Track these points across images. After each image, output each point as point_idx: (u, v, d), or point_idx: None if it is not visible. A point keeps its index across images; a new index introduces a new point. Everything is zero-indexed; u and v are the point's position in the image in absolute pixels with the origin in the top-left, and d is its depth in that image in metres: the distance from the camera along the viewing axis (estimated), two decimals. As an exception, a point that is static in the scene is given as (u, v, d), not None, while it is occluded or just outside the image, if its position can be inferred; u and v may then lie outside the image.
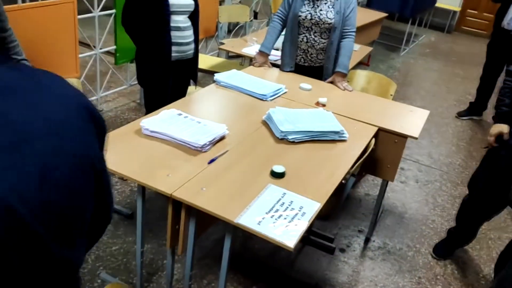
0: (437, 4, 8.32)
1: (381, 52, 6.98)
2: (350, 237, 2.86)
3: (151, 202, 2.81)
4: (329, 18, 2.90)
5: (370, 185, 3.44)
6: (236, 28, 5.81)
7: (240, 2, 5.56)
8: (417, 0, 6.60)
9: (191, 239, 1.89)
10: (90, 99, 3.05)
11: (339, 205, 2.38)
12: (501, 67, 4.49)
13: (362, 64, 5.85)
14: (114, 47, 3.79)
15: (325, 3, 2.91)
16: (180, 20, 2.73)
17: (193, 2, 2.77)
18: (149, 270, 2.40)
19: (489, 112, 4.91)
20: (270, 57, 3.38)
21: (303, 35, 2.98)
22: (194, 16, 2.82)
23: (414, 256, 2.79)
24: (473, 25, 8.90)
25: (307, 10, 2.91)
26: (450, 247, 2.79)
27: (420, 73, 6.30)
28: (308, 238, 2.76)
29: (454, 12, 8.82)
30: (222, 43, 4.23)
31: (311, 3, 2.91)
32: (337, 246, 2.76)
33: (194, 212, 1.81)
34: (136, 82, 4.18)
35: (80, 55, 3.48)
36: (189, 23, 2.79)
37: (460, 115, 4.98)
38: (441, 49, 7.87)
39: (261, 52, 3.11)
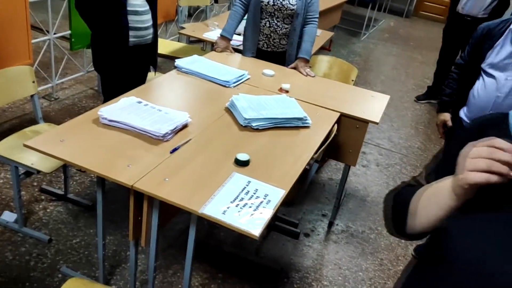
0: (396, -11, 8.46)
1: (342, 37, 7.04)
2: (314, 222, 2.90)
3: (112, 193, 2.73)
4: (292, 4, 2.87)
5: (333, 169, 3.49)
6: (197, 12, 5.70)
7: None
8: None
9: (154, 231, 1.85)
10: (45, 86, 2.96)
11: (303, 191, 2.39)
12: (456, 51, 4.62)
13: (324, 49, 5.89)
14: (69, 32, 3.63)
15: None
16: (137, 4, 2.63)
17: (151, -15, 2.68)
18: (112, 263, 2.34)
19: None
20: (232, 42, 3.33)
21: (266, 20, 2.95)
22: (152, 0, 2.73)
23: (376, 239, 2.85)
24: (431, 10, 9.10)
25: None
26: None
27: (380, 58, 6.40)
28: (273, 224, 2.78)
29: (412, -3, 8.99)
30: (183, 28, 4.14)
31: None
32: (302, 231, 2.79)
33: (157, 203, 1.77)
34: (93, 68, 4.07)
35: (33, 41, 3.31)
36: (147, 7, 2.70)
37: (418, 99, 5.11)
38: (400, 34, 8.02)
39: (222, 37, 3.06)
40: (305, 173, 2.21)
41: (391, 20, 8.75)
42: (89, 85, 4.11)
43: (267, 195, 1.73)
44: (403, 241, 2.87)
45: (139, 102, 2.18)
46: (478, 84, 2.22)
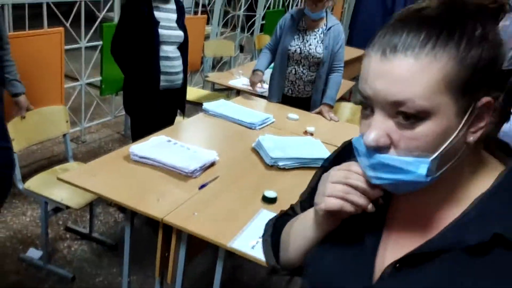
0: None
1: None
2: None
3: (136, 234, 2.73)
4: (318, 53, 2.97)
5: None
6: (220, 64, 5.90)
7: (224, 38, 5.67)
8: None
9: (181, 266, 1.84)
10: (73, 130, 3.04)
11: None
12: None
13: (343, 99, 5.98)
14: (100, 78, 3.79)
15: (314, 38, 2.99)
16: (169, 51, 2.76)
17: (182, 34, 2.82)
18: (134, 303, 2.31)
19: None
20: (257, 90, 3.44)
21: (292, 67, 3.04)
22: (183, 47, 2.86)
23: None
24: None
25: (297, 44, 2.98)
26: None
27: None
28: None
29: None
30: (207, 76, 4.28)
31: (301, 38, 2.98)
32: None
33: (185, 238, 1.77)
34: (121, 113, 4.20)
35: (66, 86, 3.46)
36: (178, 54, 2.82)
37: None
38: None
39: (256, 71, 3.11)
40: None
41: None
42: (115, 129, 4.22)
43: (296, 231, 1.72)
44: None
45: (169, 141, 2.23)
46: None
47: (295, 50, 2.97)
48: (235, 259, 2.73)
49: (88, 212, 2.77)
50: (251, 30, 6.09)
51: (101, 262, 2.55)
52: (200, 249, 2.02)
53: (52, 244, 2.61)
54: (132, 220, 1.93)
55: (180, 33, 2.78)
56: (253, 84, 3.14)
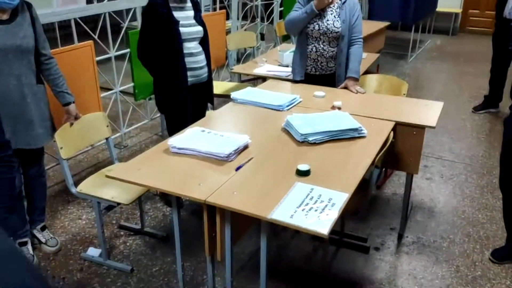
0: (438, 9, 8.44)
1: (389, 61, 7.07)
2: (383, 236, 2.88)
3: (184, 224, 2.89)
4: (336, 27, 3.01)
5: (396, 185, 3.47)
6: (245, 56, 6.00)
7: (245, 30, 5.76)
8: (417, 7, 6.73)
9: (228, 244, 1.95)
10: (114, 136, 3.21)
11: (367, 199, 2.42)
12: (509, 57, 4.53)
13: (370, 73, 5.94)
14: (132, 84, 3.97)
15: (331, 13, 3.03)
16: (192, 47, 2.88)
17: (202, 29, 2.93)
18: (190, 287, 2.45)
19: (505, 104, 4.91)
20: (280, 74, 3.52)
21: (312, 45, 3.10)
22: (204, 42, 2.97)
23: (450, 246, 2.78)
24: (477, 24, 8.97)
25: (314, 21, 3.03)
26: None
27: (431, 76, 6.36)
28: (341, 240, 2.79)
29: (456, 14, 8.92)
30: (233, 69, 4.38)
31: (318, 14, 3.02)
32: (371, 245, 2.78)
33: (229, 216, 1.88)
34: (156, 115, 4.38)
35: (102, 95, 3.66)
36: (200, 49, 2.94)
37: (476, 109, 5.00)
38: (448, 51, 7.93)
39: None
40: (366, 181, 2.26)
41: (438, 39, 8.69)
42: (153, 131, 4.41)
43: (331, 199, 1.80)
44: (478, 247, 2.78)
45: (203, 131, 2.35)
46: None
47: (314, 27, 3.02)
48: (279, 239, 2.84)
49: (138, 209, 2.94)
50: (271, 19, 6.15)
51: (156, 253, 2.71)
52: (245, 228, 2.13)
53: (109, 241, 2.80)
54: (179, 208, 2.06)
55: (199, 28, 2.89)
56: (321, 1, 2.95)
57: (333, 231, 2.75)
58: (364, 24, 5.68)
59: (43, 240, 2.71)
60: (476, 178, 3.60)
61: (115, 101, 4.00)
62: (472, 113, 4.98)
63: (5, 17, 2.23)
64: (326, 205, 1.75)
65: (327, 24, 3.03)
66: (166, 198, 3.17)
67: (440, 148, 4.10)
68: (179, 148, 2.17)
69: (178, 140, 2.22)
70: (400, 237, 2.86)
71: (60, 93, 2.54)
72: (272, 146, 2.27)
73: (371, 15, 6.84)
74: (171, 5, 2.78)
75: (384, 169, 3.56)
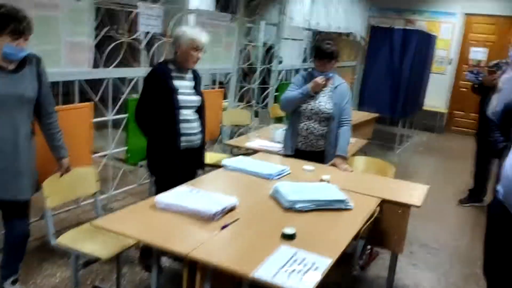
0: (425, 107, 8.87)
1: (377, 151, 7.26)
2: (365, 318, 2.79)
3: (162, 290, 2.79)
4: (328, 109, 3.18)
5: (381, 267, 3.41)
6: (237, 134, 6.15)
7: (241, 108, 5.97)
8: (405, 103, 7.08)
9: (207, 305, 1.89)
10: (102, 197, 3.18)
11: (350, 274, 2.38)
12: (492, 153, 4.69)
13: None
14: (126, 148, 4.03)
15: (323, 96, 3.21)
16: (188, 114, 2.98)
17: (200, 98, 3.05)
18: None
19: (489, 198, 4.99)
20: (271, 148, 3.62)
21: (303, 123, 3.23)
22: (201, 110, 3.09)
23: (434, 334, 2.69)
24: (462, 125, 9.36)
25: (308, 102, 3.20)
26: None
27: (417, 168, 6.51)
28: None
29: (442, 113, 9.36)
30: (226, 143, 4.49)
31: (312, 96, 3.20)
32: (353, 326, 2.68)
33: (209, 275, 1.85)
34: (145, 181, 4.39)
35: (94, 155, 3.70)
36: (196, 116, 3.04)
37: (461, 202, 5.07)
38: (434, 147, 8.21)
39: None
40: (351, 256, 2.25)
41: (424, 136, 9.01)
42: (140, 196, 4.36)
43: (315, 262, 1.79)
44: (463, 336, 2.69)
45: (191, 191, 2.38)
46: (509, 160, 2.31)
47: (307, 107, 3.18)
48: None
49: (115, 271, 2.85)
50: (265, 102, 6.42)
51: (128, 318, 2.59)
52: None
53: (81, 302, 2.68)
54: (158, 259, 2.01)
55: (197, 98, 3.02)
56: (317, 85, 3.15)
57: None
58: (354, 113, 5.96)
59: (12, 294, 2.58)
60: (460, 267, 3.57)
61: (106, 164, 4.02)
62: (457, 205, 5.05)
63: (11, 67, 2.32)
64: (309, 268, 1.74)
65: (319, 105, 3.19)
66: (145, 262, 3.09)
67: (426, 236, 4.10)
68: (165, 204, 2.17)
69: (166, 196, 2.24)
70: (383, 320, 2.77)
71: (57, 147, 2.57)
72: (259, 210, 2.29)
73: (361, 105, 7.16)
74: (172, 74, 2.93)
75: (369, 251, 3.53)
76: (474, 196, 5.02)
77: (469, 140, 8.28)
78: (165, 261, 3.22)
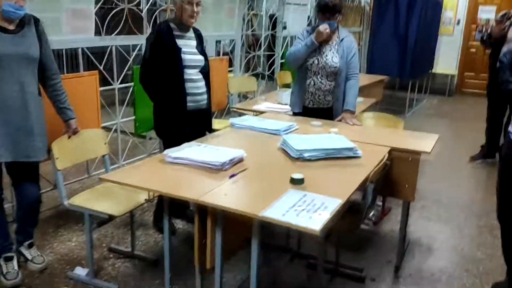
0: (435, 70, 8.74)
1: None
2: (379, 268, 2.80)
3: (176, 249, 2.82)
4: (334, 62, 3.13)
5: (393, 222, 3.42)
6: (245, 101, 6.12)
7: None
8: (413, 65, 6.98)
9: (219, 251, 1.90)
10: (112, 166, 3.15)
11: (360, 221, 2.38)
12: (504, 105, 4.62)
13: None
14: (134, 117, 4.03)
15: (330, 50, 3.16)
16: (192, 73, 2.95)
17: (203, 58, 3.02)
18: (177, 308, 2.35)
19: (502, 154, 4.94)
20: (279, 110, 3.58)
21: (310, 79, 3.19)
22: (205, 72, 3.06)
23: (448, 280, 2.70)
24: (473, 86, 9.22)
25: (314, 56, 3.15)
26: None
27: (428, 129, 6.38)
28: (336, 269, 2.71)
29: (452, 76, 9.21)
30: (233, 108, 4.47)
31: (317, 50, 3.15)
32: (367, 276, 2.69)
33: (220, 220, 1.86)
34: (155, 151, 4.40)
35: (102, 124, 3.71)
36: (200, 76, 3.02)
37: (473, 158, 5.02)
38: (445, 110, 8.10)
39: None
40: (360, 206, 2.25)
41: (434, 99, 8.90)
42: (150, 166, 4.40)
43: (324, 203, 1.78)
44: (477, 281, 2.69)
45: (199, 145, 2.37)
46: None
47: (313, 62, 3.13)
48: (273, 267, 2.76)
49: (129, 234, 2.89)
50: (272, 69, 6.36)
51: (144, 276, 2.63)
52: (237, 239, 2.08)
53: (97, 263, 2.72)
54: (172, 228, 2.03)
55: (200, 57, 2.99)
56: (319, 33, 3.07)
57: (327, 261, 2.71)
58: (363, 76, 5.90)
59: (29, 257, 2.63)
60: (474, 219, 3.56)
61: (114, 137, 4.03)
62: (469, 162, 5.00)
63: (11, 27, 2.32)
64: (318, 208, 1.73)
65: (326, 59, 3.14)
66: (158, 225, 3.12)
67: (438, 192, 4.08)
68: (174, 158, 2.18)
69: (174, 150, 2.24)
70: (397, 269, 2.78)
71: (63, 109, 2.59)
72: (267, 161, 2.28)
73: (371, 69, 7.08)
74: (174, 33, 2.89)
75: (381, 206, 3.52)
76: (486, 151, 4.97)
77: (480, 102, 8.16)
78: (179, 223, 3.25)
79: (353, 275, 2.67)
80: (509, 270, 2.58)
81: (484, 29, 4.96)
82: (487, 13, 8.81)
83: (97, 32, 3.56)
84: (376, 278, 2.69)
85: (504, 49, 4.26)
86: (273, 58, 6.33)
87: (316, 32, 3.08)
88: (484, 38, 4.76)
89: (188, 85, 2.93)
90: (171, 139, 2.98)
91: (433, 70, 8.75)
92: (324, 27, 3.06)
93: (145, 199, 2.46)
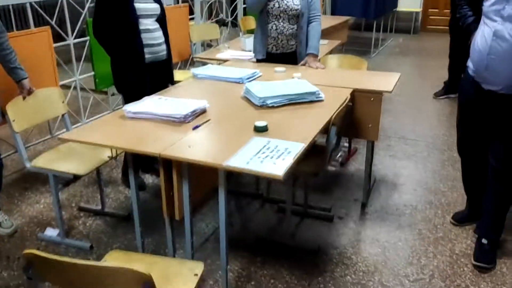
0: (399, 8, 8.69)
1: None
2: (346, 207, 2.89)
3: (147, 205, 2.84)
4: (295, 5, 3.05)
5: (359, 162, 3.50)
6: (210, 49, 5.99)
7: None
8: (377, 4, 6.91)
9: (187, 201, 1.92)
10: (75, 125, 3.07)
11: (325, 163, 2.42)
12: (465, 41, 4.66)
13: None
14: (93, 73, 3.90)
15: None
16: (148, 23, 2.84)
17: (158, 6, 2.90)
18: (152, 260, 2.39)
19: (464, 89, 5.04)
20: (243, 57, 3.52)
21: (272, 23, 3.11)
22: (162, 21, 2.95)
23: (412, 213, 2.82)
24: (437, 23, 9.24)
25: (275, 0, 3.06)
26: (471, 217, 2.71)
27: (393, 68, 6.49)
28: (305, 211, 2.79)
29: (417, 13, 9.19)
30: (196, 57, 4.36)
31: None
32: (335, 215, 2.79)
33: (185, 171, 1.85)
34: (118, 107, 4.30)
35: (61, 82, 3.58)
36: (157, 26, 2.90)
37: (437, 95, 5.13)
38: (410, 48, 8.15)
39: None
40: (324, 148, 2.27)
41: (399, 38, 8.91)
42: (116, 122, 4.32)
43: (287, 148, 1.79)
44: (439, 212, 2.83)
45: (160, 98, 2.32)
46: (478, 34, 2.29)
47: (274, 5, 3.05)
48: (244, 214, 2.82)
49: (99, 192, 2.87)
50: (235, 14, 6.19)
51: (116, 231, 2.64)
52: (204, 186, 2.09)
53: (68, 223, 2.71)
54: (135, 165, 2.02)
55: (155, 5, 2.87)
56: None
57: (296, 203, 2.77)
58: (327, 19, 5.82)
59: (-3, 222, 2.60)
60: (437, 153, 3.68)
61: (74, 95, 3.90)
62: (433, 99, 5.11)
63: None
64: (282, 153, 1.75)
65: (287, 2, 3.06)
66: (128, 180, 3.10)
67: (403, 129, 4.18)
68: (134, 113, 2.13)
69: (134, 105, 2.19)
70: (363, 206, 2.88)
71: (13, 69, 2.47)
72: (231, 111, 2.26)
73: (334, 11, 6.99)
74: (127, -19, 2.75)
75: (348, 147, 3.60)
76: (449, 87, 5.06)
77: (444, 39, 8.21)
78: (148, 177, 3.25)
79: (322, 215, 2.76)
80: (469, 200, 2.72)
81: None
82: None
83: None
84: (344, 217, 2.78)
85: None
86: (235, 3, 6.14)
87: None
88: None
89: (144, 35, 2.82)
90: (131, 94, 2.90)
91: (398, 8, 8.70)
92: None
93: (108, 156, 2.42)
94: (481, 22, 2.29)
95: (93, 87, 4.07)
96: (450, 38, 4.94)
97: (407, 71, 6.41)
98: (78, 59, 3.86)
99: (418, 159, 3.58)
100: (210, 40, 5.63)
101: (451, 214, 2.76)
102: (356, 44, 7.77)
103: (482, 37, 2.24)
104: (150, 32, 2.84)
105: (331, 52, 4.10)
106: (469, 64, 2.38)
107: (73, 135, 1.97)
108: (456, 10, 4.39)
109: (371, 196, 3.00)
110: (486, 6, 2.23)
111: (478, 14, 2.36)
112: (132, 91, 2.89)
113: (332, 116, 2.14)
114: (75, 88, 3.91)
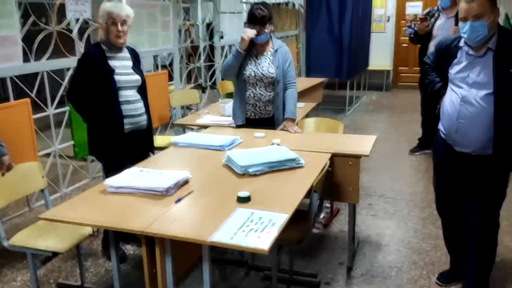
0: (371, 67, 9.07)
1: (328, 115, 7.36)
2: (332, 271, 2.87)
3: (128, 276, 2.76)
4: (271, 73, 3.17)
5: (342, 223, 3.51)
6: (189, 114, 6.08)
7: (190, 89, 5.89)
8: (350, 65, 7.20)
9: (170, 279, 1.88)
10: (54, 196, 3.07)
11: (309, 229, 2.43)
12: (437, 98, 4.86)
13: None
14: (72, 142, 3.90)
15: (265, 61, 3.20)
16: (129, 95, 2.89)
17: (139, 78, 2.97)
18: None
19: (438, 144, 5.20)
20: (222, 122, 3.59)
21: (250, 90, 3.22)
22: (142, 90, 3.01)
23: (397, 275, 2.81)
24: (409, 80, 9.63)
25: (251, 69, 3.18)
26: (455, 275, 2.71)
27: (368, 125, 6.68)
28: (291, 278, 2.75)
29: (388, 71, 9.60)
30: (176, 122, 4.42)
31: (253, 62, 3.19)
32: (322, 281, 2.75)
33: (168, 247, 1.83)
34: (98, 174, 4.27)
35: (40, 153, 3.55)
36: (138, 97, 2.96)
37: (412, 151, 5.26)
38: (384, 104, 8.43)
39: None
40: (307, 212, 2.29)
41: (373, 95, 9.23)
42: (96, 190, 4.27)
43: (271, 220, 1.81)
44: (424, 272, 2.82)
45: (141, 170, 2.33)
46: (446, 99, 2.41)
47: (250, 74, 3.16)
48: (230, 281, 2.76)
49: (78, 267, 2.78)
50: (213, 79, 6.35)
51: (97, 309, 2.54)
52: (188, 262, 2.07)
53: (45, 301, 2.60)
54: (117, 242, 1.98)
55: (137, 77, 2.93)
56: (242, 40, 3.08)
57: (282, 270, 2.74)
58: (303, 80, 6.03)
59: (-30, 305, 2.48)
60: (417, 211, 3.73)
61: (54, 163, 3.87)
62: (409, 155, 5.23)
63: None
64: (266, 225, 1.75)
65: (262, 70, 3.18)
66: (107, 253, 3.03)
67: (382, 187, 4.24)
68: (116, 187, 2.12)
69: (116, 179, 2.18)
70: (349, 270, 2.86)
71: None
72: (213, 180, 2.28)
73: (309, 72, 7.24)
74: (107, 54, 2.83)
75: (330, 208, 3.61)
76: (423, 143, 5.21)
77: (416, 94, 8.53)
78: (129, 249, 3.18)
79: (308, 282, 2.72)
80: (452, 259, 2.73)
81: (412, 24, 5.18)
82: (415, 9, 9.24)
83: (26, 57, 3.41)
84: (330, 282, 2.75)
85: (431, 49, 4.50)
86: (213, 69, 6.33)
87: (241, 39, 3.11)
88: (412, 36, 4.99)
89: (125, 107, 2.86)
90: (111, 161, 2.92)
91: (369, 67, 9.08)
92: (245, 34, 3.07)
93: (89, 234, 2.38)
94: (449, 88, 2.42)
95: (72, 154, 4.06)
96: (420, 96, 5.15)
97: (382, 127, 6.59)
98: (58, 125, 3.86)
99: (399, 218, 3.61)
100: (190, 104, 5.72)
101: (436, 275, 2.76)
102: (331, 103, 8.01)
103: (451, 102, 2.36)
104: (131, 103, 2.89)
105: (307, 115, 4.21)
106: (440, 127, 2.48)
107: (53, 214, 1.94)
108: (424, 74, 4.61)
109: (356, 258, 2.99)
110: (452, 74, 2.37)
111: (445, 79, 2.49)
112: (112, 160, 2.90)
113: (313, 182, 2.17)
114: (54, 156, 3.88)
